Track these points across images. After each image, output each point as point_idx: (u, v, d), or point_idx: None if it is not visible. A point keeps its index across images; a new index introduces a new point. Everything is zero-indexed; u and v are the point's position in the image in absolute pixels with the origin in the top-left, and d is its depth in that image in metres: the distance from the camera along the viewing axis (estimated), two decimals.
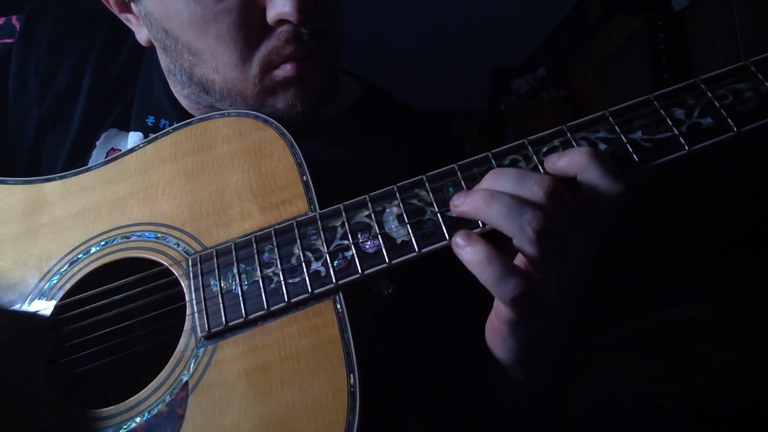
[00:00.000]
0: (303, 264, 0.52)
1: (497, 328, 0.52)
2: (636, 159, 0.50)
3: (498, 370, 0.55)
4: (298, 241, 0.53)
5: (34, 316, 0.57)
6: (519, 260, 0.49)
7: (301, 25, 0.60)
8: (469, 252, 0.46)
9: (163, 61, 0.71)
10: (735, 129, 0.49)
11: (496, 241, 0.48)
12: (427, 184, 0.52)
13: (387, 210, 0.52)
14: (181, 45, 0.63)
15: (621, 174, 0.47)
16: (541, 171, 0.50)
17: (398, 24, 3.09)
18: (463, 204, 0.48)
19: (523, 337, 0.51)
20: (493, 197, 0.46)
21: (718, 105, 0.50)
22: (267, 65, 0.61)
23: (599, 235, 0.48)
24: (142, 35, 0.69)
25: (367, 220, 0.52)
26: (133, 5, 0.66)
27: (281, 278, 0.52)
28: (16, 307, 0.58)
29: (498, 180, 0.48)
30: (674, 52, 2.04)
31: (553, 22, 3.15)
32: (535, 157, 0.51)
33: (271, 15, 0.59)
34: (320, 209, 0.54)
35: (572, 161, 0.48)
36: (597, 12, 2.73)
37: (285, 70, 0.62)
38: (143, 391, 0.52)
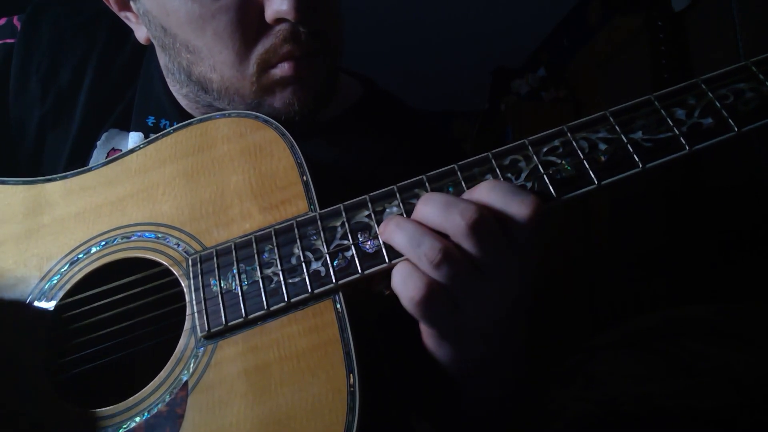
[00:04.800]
0: (303, 264, 0.52)
1: (426, 342, 0.53)
2: (636, 159, 0.50)
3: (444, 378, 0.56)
4: (298, 241, 0.53)
5: (35, 315, 0.57)
6: None
7: (298, 24, 0.60)
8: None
9: (162, 59, 0.71)
10: (736, 129, 0.49)
11: None
12: (427, 184, 0.52)
13: (387, 210, 0.52)
14: (179, 43, 0.63)
15: (524, 196, 0.47)
16: (539, 170, 0.50)
17: (398, 24, 3.09)
18: (383, 233, 0.50)
19: (449, 353, 0.53)
20: (398, 227, 0.49)
21: (719, 105, 0.50)
22: (264, 64, 0.61)
23: (518, 260, 0.49)
24: (141, 33, 0.69)
25: (367, 220, 0.52)
26: (132, 3, 0.66)
27: (281, 278, 0.52)
28: (16, 306, 0.58)
29: (426, 205, 0.49)
30: (674, 52, 2.04)
31: (553, 22, 3.15)
32: (535, 157, 0.51)
33: (269, 13, 0.59)
34: (320, 209, 0.54)
35: (475, 194, 0.48)
36: (597, 12, 2.73)
37: (282, 69, 0.62)
38: (143, 390, 0.52)
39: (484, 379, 0.57)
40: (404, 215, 0.51)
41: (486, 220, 0.46)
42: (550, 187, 0.50)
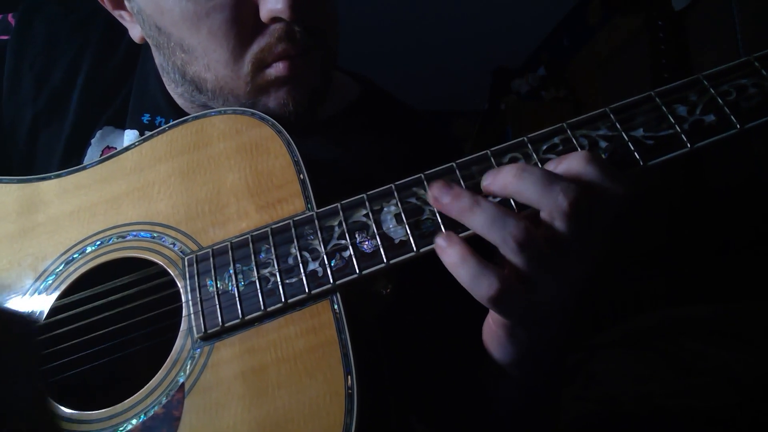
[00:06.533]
0: (300, 264, 0.51)
1: (495, 332, 0.52)
2: (637, 156, 0.49)
3: (493, 369, 0.55)
4: (295, 240, 0.52)
5: (29, 317, 0.57)
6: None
7: (293, 23, 0.59)
8: (448, 253, 0.46)
9: (157, 58, 0.71)
10: (738, 126, 0.48)
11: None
12: (425, 182, 0.52)
13: (385, 209, 0.51)
14: (173, 42, 0.63)
15: (620, 176, 0.46)
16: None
17: (398, 23, 3.08)
18: (448, 204, 0.47)
19: (521, 340, 0.51)
20: (477, 205, 0.46)
21: (721, 102, 0.49)
22: (259, 63, 0.61)
23: (600, 237, 0.48)
24: (135, 32, 0.68)
25: (364, 219, 0.52)
26: (126, 2, 0.66)
27: (278, 278, 0.51)
28: (11, 306, 0.58)
29: (522, 179, 0.46)
30: (674, 52, 2.03)
31: (553, 22, 3.15)
32: (534, 155, 0.51)
33: (264, 12, 0.59)
34: (317, 208, 0.54)
35: (569, 167, 0.46)
36: (597, 12, 2.73)
37: (277, 69, 0.61)
38: (139, 393, 0.51)
39: (534, 366, 0.55)
40: (402, 214, 0.51)
41: (586, 201, 0.44)
42: None
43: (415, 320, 0.66)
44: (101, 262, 0.58)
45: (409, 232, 0.50)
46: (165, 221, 0.58)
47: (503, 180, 0.47)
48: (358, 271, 0.50)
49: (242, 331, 0.51)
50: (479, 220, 0.46)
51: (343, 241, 0.51)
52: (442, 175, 0.52)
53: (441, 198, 0.48)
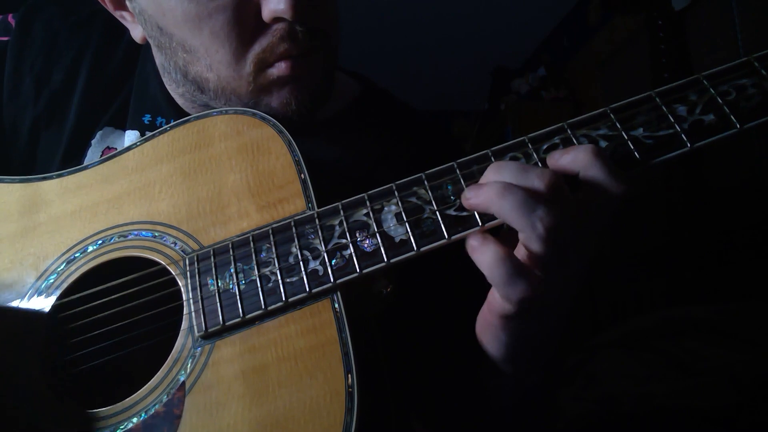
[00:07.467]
0: (301, 263, 0.51)
1: (489, 322, 0.52)
2: (637, 156, 0.49)
3: (489, 366, 0.55)
4: (296, 239, 0.52)
5: (31, 315, 0.57)
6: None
7: (295, 23, 0.59)
8: (482, 252, 0.46)
9: (158, 59, 0.71)
10: (738, 126, 0.48)
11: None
12: (426, 182, 0.52)
13: (385, 208, 0.52)
14: (175, 42, 0.63)
15: (623, 174, 0.47)
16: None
17: (398, 23, 3.09)
18: (474, 197, 0.48)
19: (516, 332, 0.51)
20: (507, 189, 0.45)
21: (720, 101, 0.49)
22: (261, 63, 0.61)
23: (598, 233, 0.48)
24: (136, 33, 0.69)
25: (365, 218, 0.52)
26: (127, 2, 0.66)
27: (279, 277, 0.51)
28: (12, 305, 0.58)
29: (499, 173, 0.47)
30: (674, 52, 2.04)
31: (553, 22, 3.16)
32: (535, 154, 0.51)
33: (266, 12, 0.59)
34: (318, 208, 0.54)
35: (575, 158, 0.47)
36: (597, 12, 2.73)
37: (279, 69, 0.61)
38: (140, 391, 0.51)
39: (528, 363, 0.56)
40: (403, 214, 0.51)
41: (563, 186, 0.45)
42: None
43: (415, 320, 0.66)
44: (102, 261, 0.58)
45: (409, 231, 0.50)
46: (166, 221, 0.58)
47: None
48: (358, 270, 0.50)
49: (243, 330, 0.51)
50: (508, 205, 0.45)
51: (343, 240, 0.51)
52: (442, 174, 0.52)
53: (469, 194, 0.48)
